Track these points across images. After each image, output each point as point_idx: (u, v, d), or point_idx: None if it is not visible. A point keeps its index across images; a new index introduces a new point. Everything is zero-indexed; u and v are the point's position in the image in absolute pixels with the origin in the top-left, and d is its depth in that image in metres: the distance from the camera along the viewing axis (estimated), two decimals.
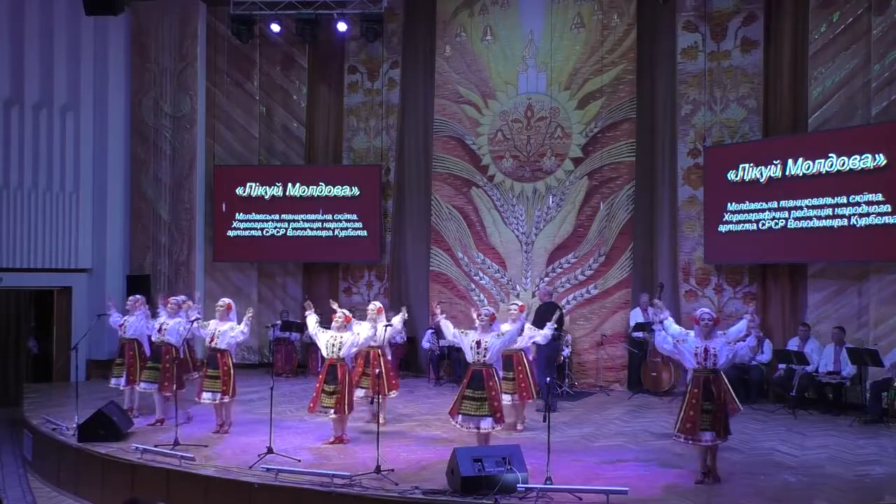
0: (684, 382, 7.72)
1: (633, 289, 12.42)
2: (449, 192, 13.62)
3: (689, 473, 7.28)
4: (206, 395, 8.94)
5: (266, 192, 14.22)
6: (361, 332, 8.72)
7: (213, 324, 9.13)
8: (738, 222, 11.60)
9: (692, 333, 7.21)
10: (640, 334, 11.84)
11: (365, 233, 14.09)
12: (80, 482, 8.50)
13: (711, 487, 6.97)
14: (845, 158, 10.49)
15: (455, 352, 12.57)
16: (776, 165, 11.23)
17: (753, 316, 7.52)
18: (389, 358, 9.86)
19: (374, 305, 9.41)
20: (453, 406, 7.87)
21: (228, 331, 9.02)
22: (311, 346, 12.37)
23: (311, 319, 8.83)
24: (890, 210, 10.05)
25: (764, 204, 11.36)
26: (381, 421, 8.70)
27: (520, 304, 9.33)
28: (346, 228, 14.12)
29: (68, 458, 8.71)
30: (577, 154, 12.81)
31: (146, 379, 9.58)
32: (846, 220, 10.49)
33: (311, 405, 8.59)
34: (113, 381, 10.07)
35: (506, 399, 8.87)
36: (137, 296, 10.30)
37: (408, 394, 11.64)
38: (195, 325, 9.21)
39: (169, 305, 9.68)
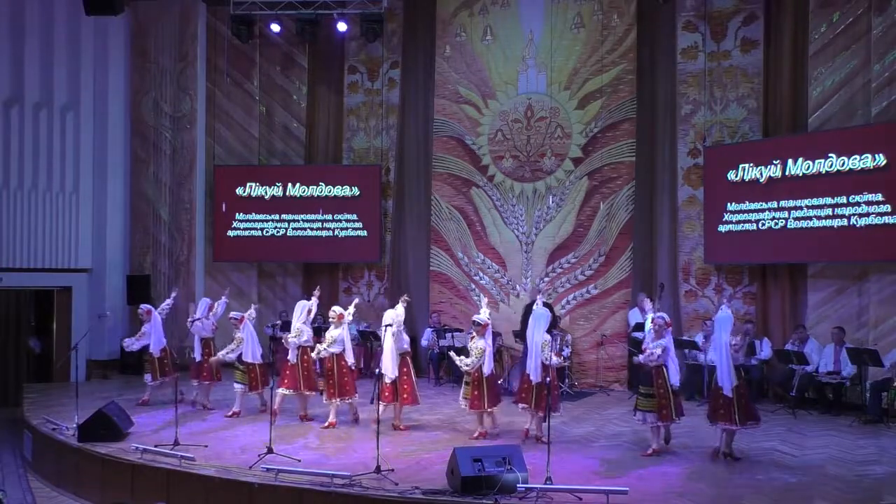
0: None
1: (633, 289, 12.39)
2: (449, 192, 13.61)
3: (689, 473, 7.29)
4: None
5: (266, 192, 14.21)
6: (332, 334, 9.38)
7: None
8: (738, 222, 11.59)
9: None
10: (639, 334, 11.81)
11: (365, 233, 14.08)
12: (80, 482, 8.51)
13: (711, 487, 6.97)
14: (845, 158, 10.49)
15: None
16: (776, 165, 11.23)
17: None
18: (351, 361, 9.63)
19: (337, 310, 9.54)
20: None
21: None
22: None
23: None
24: (890, 210, 10.06)
25: (764, 204, 11.36)
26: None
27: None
28: (346, 228, 14.11)
29: (68, 458, 8.72)
30: (577, 154, 12.81)
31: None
32: (846, 220, 10.50)
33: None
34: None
35: None
36: (207, 300, 10.95)
37: None
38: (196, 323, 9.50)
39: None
